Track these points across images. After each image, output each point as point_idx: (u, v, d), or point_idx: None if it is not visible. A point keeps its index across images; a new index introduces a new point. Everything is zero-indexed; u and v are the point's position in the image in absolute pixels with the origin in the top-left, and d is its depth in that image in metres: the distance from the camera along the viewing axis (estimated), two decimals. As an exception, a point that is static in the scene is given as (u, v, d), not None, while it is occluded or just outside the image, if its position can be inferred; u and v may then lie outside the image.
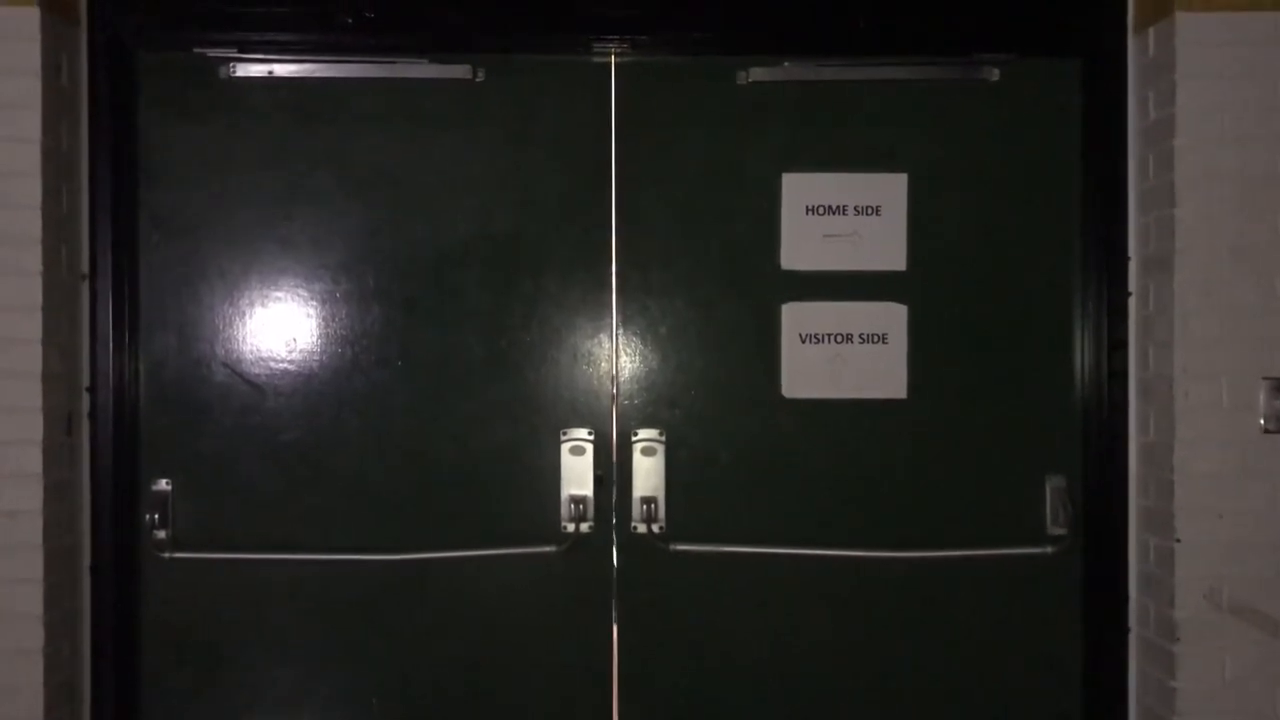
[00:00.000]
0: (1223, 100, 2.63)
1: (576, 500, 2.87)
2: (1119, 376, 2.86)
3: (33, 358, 2.61)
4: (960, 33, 2.88)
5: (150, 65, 2.86)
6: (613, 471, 2.89)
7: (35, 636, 2.61)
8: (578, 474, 2.88)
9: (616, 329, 2.91)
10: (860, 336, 2.89)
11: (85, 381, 2.81)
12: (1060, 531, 2.87)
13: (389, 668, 2.89)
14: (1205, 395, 2.64)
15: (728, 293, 2.90)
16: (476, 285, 2.89)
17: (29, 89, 2.60)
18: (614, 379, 2.91)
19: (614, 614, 2.90)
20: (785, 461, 2.90)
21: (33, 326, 2.61)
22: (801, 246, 2.90)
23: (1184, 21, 2.63)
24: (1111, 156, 2.86)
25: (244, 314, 2.88)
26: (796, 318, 2.90)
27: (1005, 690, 2.91)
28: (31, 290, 2.61)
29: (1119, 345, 2.86)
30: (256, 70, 2.86)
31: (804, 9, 2.87)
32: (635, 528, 2.88)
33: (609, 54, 2.88)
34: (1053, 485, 2.89)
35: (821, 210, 2.90)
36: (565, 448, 2.89)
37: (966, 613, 2.91)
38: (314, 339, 2.88)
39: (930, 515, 2.90)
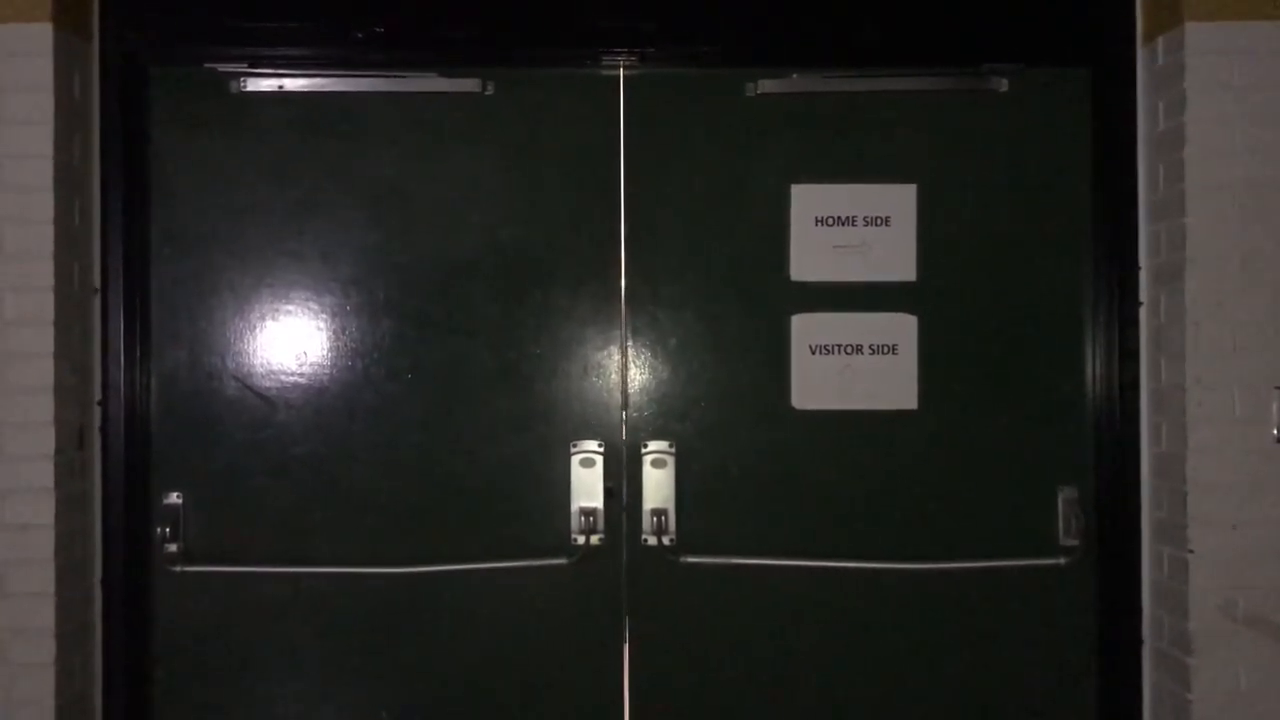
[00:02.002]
0: (1232, 109, 2.63)
1: (587, 512, 2.87)
2: (1131, 387, 2.85)
3: (44, 372, 2.62)
4: (969, 43, 2.87)
5: (161, 80, 2.87)
6: (623, 483, 2.89)
7: (47, 651, 2.62)
8: (588, 486, 2.88)
9: (626, 341, 2.91)
10: (870, 347, 2.89)
11: (97, 395, 2.82)
12: (1073, 542, 2.86)
13: (400, 680, 2.88)
14: (1218, 405, 2.63)
15: (737, 304, 2.90)
16: (486, 298, 2.89)
17: (41, 104, 2.62)
18: (624, 391, 2.91)
19: (625, 626, 2.89)
20: (796, 473, 2.89)
21: (44, 341, 2.62)
22: (811, 257, 2.90)
23: (1193, 31, 2.63)
24: (1121, 166, 2.85)
25: (254, 327, 2.89)
26: (806, 329, 2.89)
27: (1018, 702, 2.90)
28: (43, 305, 2.63)
29: (1130, 355, 2.85)
30: (267, 85, 2.87)
31: (812, 21, 2.87)
32: (646, 540, 2.87)
33: (617, 66, 2.89)
34: (1065, 496, 2.88)
35: (831, 221, 2.90)
36: (575, 460, 2.88)
37: (978, 624, 2.89)
38: (324, 352, 2.89)
39: (941, 526, 2.89)
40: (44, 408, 2.62)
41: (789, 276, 2.90)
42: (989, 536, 2.88)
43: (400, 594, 2.87)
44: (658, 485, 2.88)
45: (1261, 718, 2.62)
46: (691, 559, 2.86)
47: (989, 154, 2.90)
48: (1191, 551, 2.63)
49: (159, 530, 2.84)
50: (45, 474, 2.62)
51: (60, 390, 2.65)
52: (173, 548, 2.83)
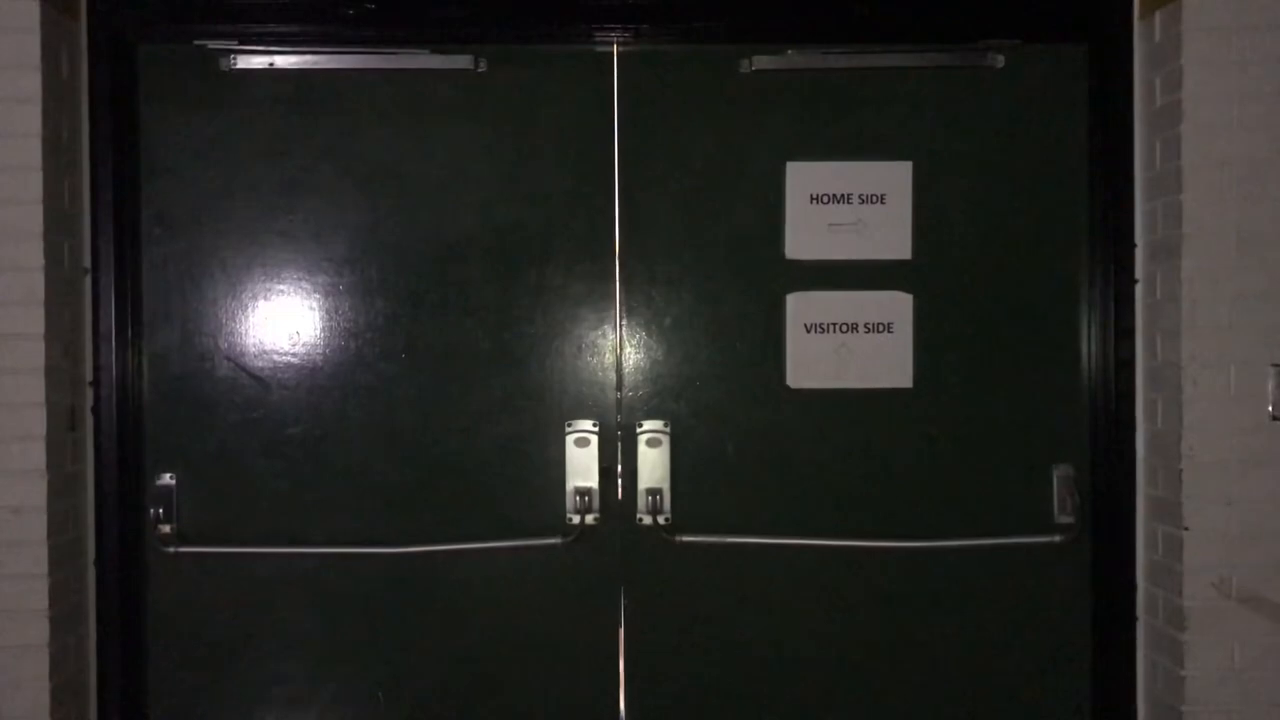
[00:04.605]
0: (1229, 85, 2.61)
1: (582, 492, 2.86)
2: (1126, 364, 2.84)
3: (35, 353, 2.61)
4: (965, 19, 2.86)
5: (151, 57, 2.85)
6: (618, 463, 2.88)
7: (40, 632, 2.61)
8: (583, 466, 2.88)
9: (621, 320, 2.90)
10: (866, 326, 2.88)
11: (88, 376, 2.81)
12: (1068, 520, 2.86)
13: (395, 661, 2.88)
14: (1213, 383, 2.63)
15: (732, 283, 2.89)
16: (480, 277, 2.87)
17: (29, 82, 2.59)
18: (618, 370, 2.90)
19: (620, 606, 2.89)
20: (791, 452, 2.89)
21: (35, 321, 2.61)
22: (806, 236, 2.88)
23: (1190, 6, 2.61)
24: (1118, 142, 2.84)
25: (247, 307, 2.87)
26: (801, 307, 2.88)
27: (1014, 680, 2.91)
28: (34, 285, 2.60)
29: (1126, 333, 2.84)
30: (258, 62, 2.84)
31: (807, -4, 2.86)
32: (641, 519, 2.87)
33: (611, 43, 2.87)
34: (1060, 474, 2.88)
35: (826, 199, 2.88)
36: (570, 440, 2.88)
37: (974, 602, 2.90)
38: (318, 332, 2.87)
39: (937, 505, 2.89)
40: (35, 389, 2.61)
41: (784, 255, 2.89)
42: (984, 515, 2.88)
43: (395, 574, 2.87)
44: (653, 465, 2.88)
45: (1254, 693, 2.63)
46: (686, 538, 2.86)
47: (985, 131, 2.89)
48: (1186, 529, 2.64)
49: (152, 511, 2.83)
50: (37, 455, 2.61)
51: (51, 371, 2.63)
52: (166, 529, 2.82)
